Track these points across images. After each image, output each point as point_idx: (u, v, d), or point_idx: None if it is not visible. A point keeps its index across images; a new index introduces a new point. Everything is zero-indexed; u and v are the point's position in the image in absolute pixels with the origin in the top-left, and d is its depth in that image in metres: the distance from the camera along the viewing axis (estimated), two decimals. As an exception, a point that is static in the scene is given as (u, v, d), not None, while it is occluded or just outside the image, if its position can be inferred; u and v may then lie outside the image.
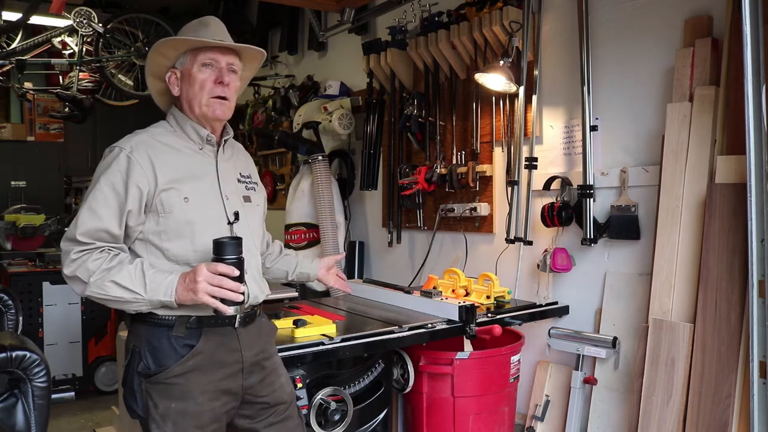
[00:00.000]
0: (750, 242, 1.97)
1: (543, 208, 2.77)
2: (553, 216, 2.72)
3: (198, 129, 1.71)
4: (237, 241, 1.57)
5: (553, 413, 2.77)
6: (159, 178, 1.60)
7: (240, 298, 1.56)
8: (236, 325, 1.67)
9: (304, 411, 2.05)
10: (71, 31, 4.47)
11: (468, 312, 2.37)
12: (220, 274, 1.53)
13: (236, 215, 1.70)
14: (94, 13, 4.46)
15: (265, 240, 2.03)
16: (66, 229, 1.60)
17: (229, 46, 1.71)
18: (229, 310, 1.56)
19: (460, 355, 2.46)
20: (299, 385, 2.04)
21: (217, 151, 1.75)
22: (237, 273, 1.54)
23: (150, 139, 1.66)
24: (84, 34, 4.45)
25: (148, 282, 1.55)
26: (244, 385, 1.70)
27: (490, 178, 3.16)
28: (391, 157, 3.72)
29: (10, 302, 2.61)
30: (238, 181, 1.80)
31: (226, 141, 1.78)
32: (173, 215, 1.61)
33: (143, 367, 1.61)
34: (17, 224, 4.61)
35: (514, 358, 2.60)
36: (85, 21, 4.42)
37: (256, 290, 1.74)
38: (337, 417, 2.13)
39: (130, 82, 4.86)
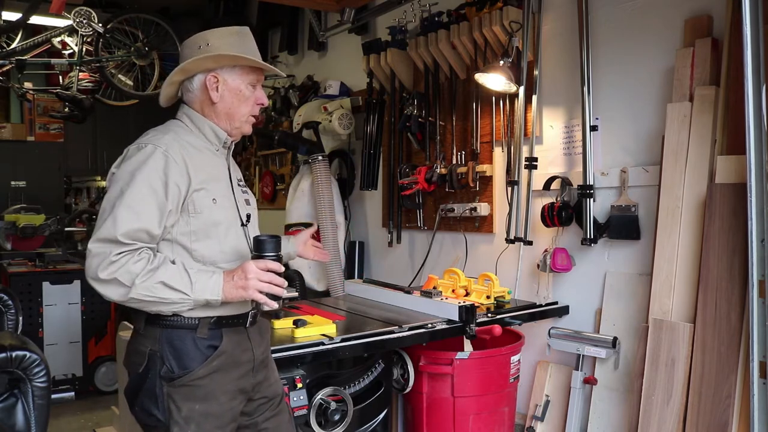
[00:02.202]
0: (750, 242, 1.97)
1: (543, 208, 2.77)
2: (553, 216, 2.72)
3: (216, 130, 1.71)
4: (277, 238, 1.60)
5: (553, 413, 2.77)
6: (192, 178, 1.59)
7: (285, 293, 1.61)
8: (247, 324, 1.69)
9: (304, 411, 2.05)
10: (71, 31, 4.46)
11: (468, 312, 2.37)
12: (269, 271, 1.55)
13: (248, 217, 1.72)
14: (94, 13, 4.45)
15: None
16: (96, 231, 1.50)
17: (279, 74, 1.87)
18: (275, 305, 1.59)
19: (460, 355, 2.46)
20: (299, 385, 2.04)
21: (227, 155, 1.76)
22: (283, 269, 1.59)
23: (178, 138, 1.63)
24: (84, 34, 4.44)
25: (194, 281, 1.53)
26: (253, 383, 1.72)
27: (490, 178, 3.16)
28: (391, 157, 3.72)
29: (10, 302, 2.61)
30: (238, 185, 1.81)
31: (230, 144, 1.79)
32: (203, 216, 1.60)
33: (166, 370, 1.58)
34: (17, 224, 4.59)
35: (514, 358, 2.60)
36: (85, 21, 4.41)
37: None
38: (337, 417, 2.13)
39: (130, 82, 4.86)
